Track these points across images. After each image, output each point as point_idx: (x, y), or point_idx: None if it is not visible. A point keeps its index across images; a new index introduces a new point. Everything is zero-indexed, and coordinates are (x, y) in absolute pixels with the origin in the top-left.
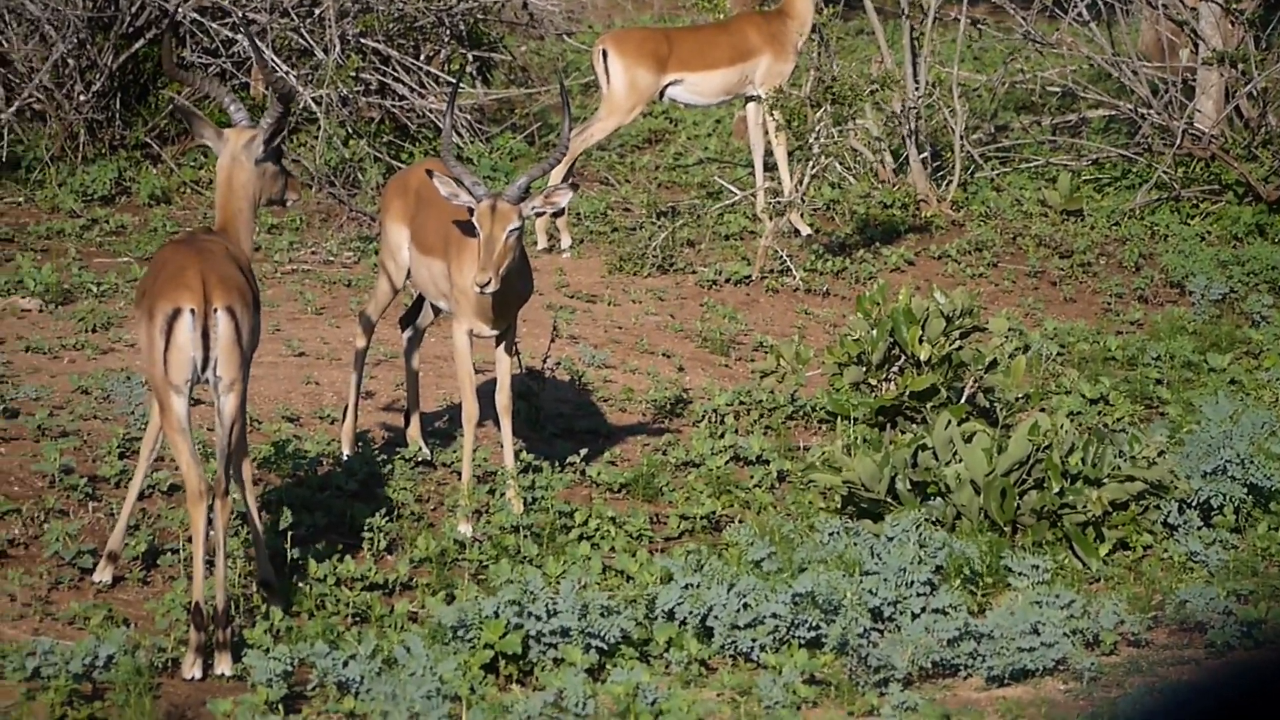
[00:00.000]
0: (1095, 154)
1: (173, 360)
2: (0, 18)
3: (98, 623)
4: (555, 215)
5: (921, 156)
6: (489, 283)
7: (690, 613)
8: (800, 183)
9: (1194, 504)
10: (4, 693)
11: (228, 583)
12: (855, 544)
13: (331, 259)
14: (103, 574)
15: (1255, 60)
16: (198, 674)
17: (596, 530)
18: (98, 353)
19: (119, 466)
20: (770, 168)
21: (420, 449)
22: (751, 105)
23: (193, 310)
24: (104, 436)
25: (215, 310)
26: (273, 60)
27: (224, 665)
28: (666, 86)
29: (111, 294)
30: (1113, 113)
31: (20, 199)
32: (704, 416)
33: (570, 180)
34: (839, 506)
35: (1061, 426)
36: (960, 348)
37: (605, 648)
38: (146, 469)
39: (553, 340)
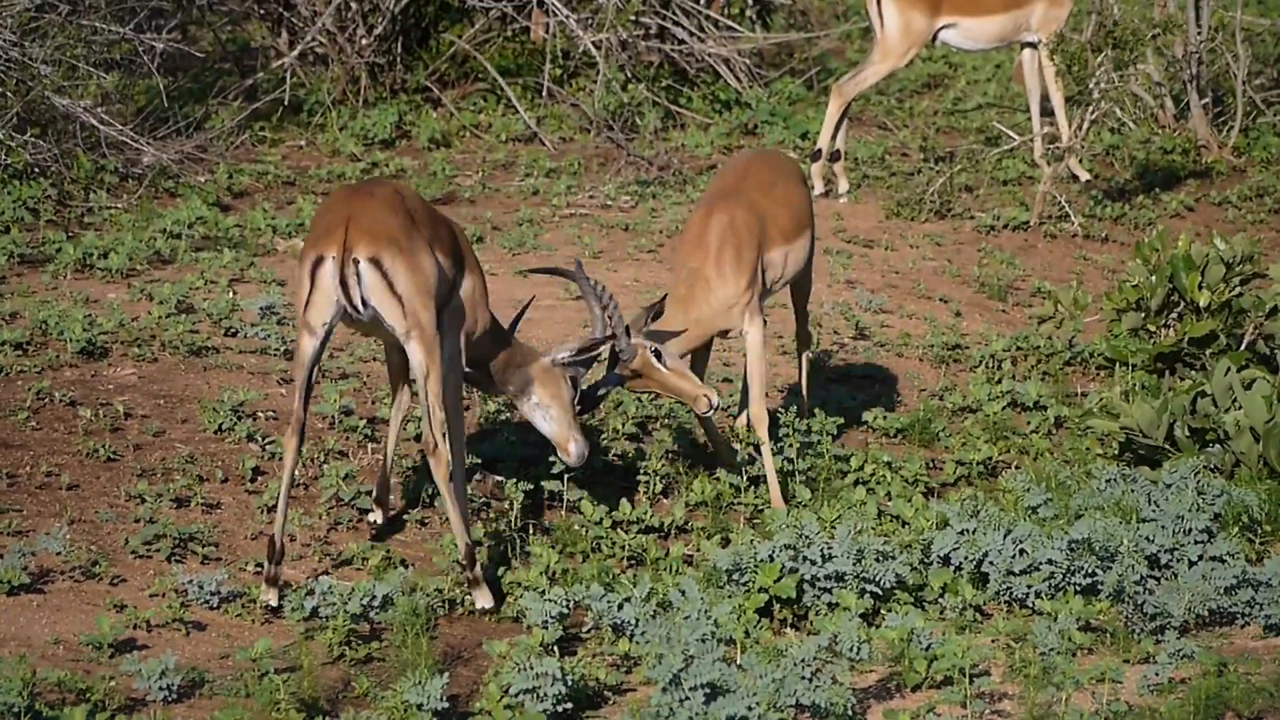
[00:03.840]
0: None
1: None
2: None
3: (376, 563)
4: (833, 160)
5: (1203, 102)
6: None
7: (965, 558)
8: (1079, 128)
9: None
10: (283, 632)
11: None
12: (1132, 491)
13: (609, 203)
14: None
15: None
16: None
17: (872, 475)
18: None
19: None
20: (1048, 113)
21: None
22: (1028, 50)
23: (334, 258)
24: (383, 379)
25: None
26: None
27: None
28: (940, 30)
29: None
30: None
31: (302, 142)
32: (981, 362)
33: (655, 309)
34: (1116, 453)
35: None
36: (1240, 294)
37: (880, 592)
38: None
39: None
